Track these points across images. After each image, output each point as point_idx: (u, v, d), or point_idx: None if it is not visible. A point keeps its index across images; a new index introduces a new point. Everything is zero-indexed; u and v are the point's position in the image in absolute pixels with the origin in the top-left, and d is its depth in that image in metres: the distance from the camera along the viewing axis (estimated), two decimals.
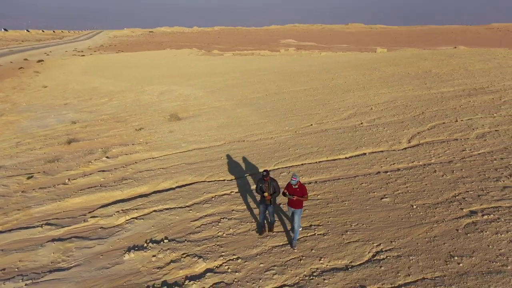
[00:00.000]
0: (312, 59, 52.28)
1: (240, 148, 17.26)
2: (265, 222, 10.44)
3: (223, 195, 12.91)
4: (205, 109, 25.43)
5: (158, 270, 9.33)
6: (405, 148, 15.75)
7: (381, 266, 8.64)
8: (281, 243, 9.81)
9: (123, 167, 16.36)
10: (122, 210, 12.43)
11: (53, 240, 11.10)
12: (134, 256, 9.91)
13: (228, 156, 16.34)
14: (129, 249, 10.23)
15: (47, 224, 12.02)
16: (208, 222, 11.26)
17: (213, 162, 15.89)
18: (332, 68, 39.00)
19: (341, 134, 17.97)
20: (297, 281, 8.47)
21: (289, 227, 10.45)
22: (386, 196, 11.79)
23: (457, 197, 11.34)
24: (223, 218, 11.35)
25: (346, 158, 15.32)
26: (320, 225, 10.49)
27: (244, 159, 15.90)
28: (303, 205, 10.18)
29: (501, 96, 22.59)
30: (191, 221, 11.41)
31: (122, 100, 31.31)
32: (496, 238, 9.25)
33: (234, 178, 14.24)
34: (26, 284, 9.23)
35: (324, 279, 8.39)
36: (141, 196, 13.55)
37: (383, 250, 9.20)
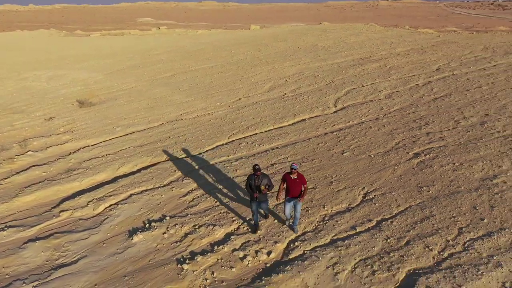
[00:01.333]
0: (197, 38, 52.48)
1: (183, 126, 17.44)
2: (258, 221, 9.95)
3: (196, 169, 13.28)
4: (116, 92, 24.22)
5: (177, 244, 9.56)
6: (335, 112, 18.09)
7: (375, 203, 10.50)
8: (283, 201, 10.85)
9: (60, 158, 15.16)
10: (95, 199, 11.87)
11: (30, 240, 10.19)
12: (143, 237, 9.88)
13: (177, 135, 16.44)
14: (131, 233, 10.11)
15: (8, 227, 10.85)
16: (199, 195, 11.65)
17: (164, 142, 15.86)
18: (225, 46, 40.13)
19: (273, 105, 19.50)
20: (314, 227, 9.76)
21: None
22: (345, 151, 13.78)
23: (399, 145, 13.95)
24: (212, 190, 11.87)
25: (290, 125, 16.93)
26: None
27: (195, 135, 16.24)
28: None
29: (386, 64, 26.94)
30: (180, 197, 11.64)
31: (2, 90, 27.39)
32: (443, 169, 11.96)
33: (198, 153, 14.60)
34: (34, 286, 8.56)
35: (337, 221, 9.87)
36: (104, 183, 13.01)
37: (369, 191, 11.10)
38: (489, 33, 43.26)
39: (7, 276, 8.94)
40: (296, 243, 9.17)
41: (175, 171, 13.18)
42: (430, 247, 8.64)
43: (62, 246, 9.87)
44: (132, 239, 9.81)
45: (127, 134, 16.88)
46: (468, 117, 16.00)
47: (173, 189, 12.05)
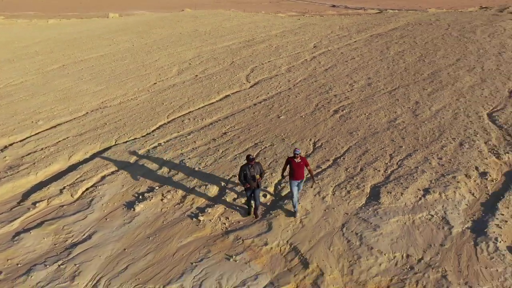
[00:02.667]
0: (61, 27, 48.36)
1: (113, 113, 17.60)
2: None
3: (156, 146, 14.16)
4: (5, 88, 22.13)
5: (180, 205, 10.74)
6: (252, 86, 20.44)
7: (325, 148, 13.24)
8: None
9: None
10: (67, 186, 11.93)
11: (20, 232, 10.11)
12: (144, 206, 10.74)
13: (112, 121, 16.63)
14: (129, 205, 10.82)
15: None
16: (173, 166, 12.74)
17: (103, 128, 15.98)
18: (103, 34, 38.58)
19: (192, 85, 20.85)
20: None
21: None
22: (280, 115, 16.27)
23: (318, 106, 17.06)
24: (182, 160, 13.06)
25: (218, 101, 18.67)
26: (263, 141, 14.02)
27: (132, 118, 16.71)
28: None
29: (271, 44, 30.30)
30: (156, 171, 12.57)
31: None
32: (360, 119, 15.42)
33: (146, 133, 15.31)
34: (60, 265, 8.91)
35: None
36: (63, 173, 12.96)
37: (316, 141, 13.81)
38: (337, 16, 50.75)
39: (18, 265, 8.93)
40: (282, 184, 11.29)
41: (135, 151, 13.80)
42: (377, 169, 11.74)
43: (62, 230, 10.06)
44: (134, 210, 10.56)
45: (54, 127, 16.31)
46: (357, 81, 20.08)
47: (145, 165, 12.83)
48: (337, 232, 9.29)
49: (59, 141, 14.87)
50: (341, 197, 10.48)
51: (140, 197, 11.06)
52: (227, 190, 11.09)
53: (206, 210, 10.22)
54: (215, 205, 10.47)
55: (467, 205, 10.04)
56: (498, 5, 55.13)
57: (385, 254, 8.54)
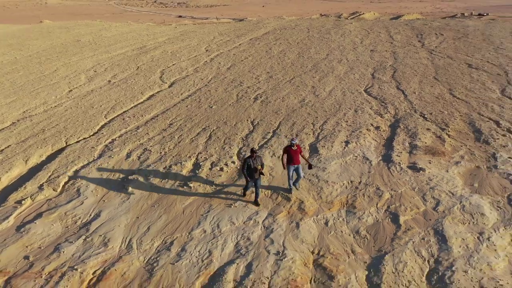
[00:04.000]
0: None
1: (45, 119, 17.63)
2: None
3: (112, 141, 15.29)
4: None
5: (166, 179, 12.47)
6: (170, 86, 22.29)
7: (262, 125, 16.18)
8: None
9: None
10: (44, 182, 12.53)
11: (23, 225, 10.75)
12: (134, 185, 12.24)
13: (48, 126, 16.74)
14: (119, 188, 12.15)
15: None
16: (139, 153, 14.19)
17: (45, 133, 16.13)
18: None
19: (112, 89, 21.68)
20: (247, 143, 14.72)
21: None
22: (211, 105, 18.72)
23: (239, 95, 20.01)
24: (146, 148, 14.62)
25: (146, 100, 20.13)
26: (209, 126, 16.35)
27: (68, 122, 17.10)
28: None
29: (165, 50, 32.08)
30: (126, 159, 13.91)
31: None
32: (277, 102, 18.87)
33: (93, 133, 16.14)
34: (84, 239, 10.08)
35: (254, 138, 15.13)
36: (27, 175, 13.33)
37: (253, 120, 16.72)
38: (211, 24, 54.31)
39: (41, 248, 9.79)
40: (243, 148, 13.94)
41: (93, 147, 14.73)
42: (307, 133, 15.23)
43: (65, 215, 10.97)
44: (127, 189, 11.99)
45: None
46: (260, 75, 23.66)
47: (112, 156, 14.01)
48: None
49: (3, 149, 14.71)
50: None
51: (125, 179, 12.41)
52: (200, 163, 13.20)
53: (191, 179, 12.22)
54: (197, 175, 12.52)
55: (374, 147, 14.17)
56: (334, 13, 65.91)
57: (337, 183, 11.93)
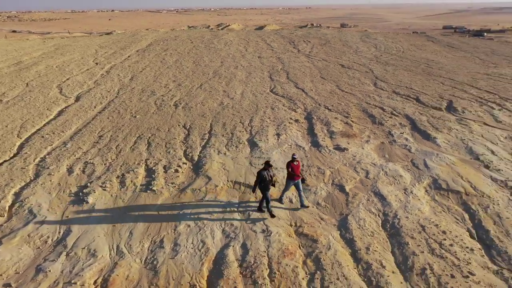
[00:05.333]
0: None
1: None
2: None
3: (42, 160, 14.28)
4: None
5: (125, 188, 12.47)
6: (77, 100, 21.19)
7: (195, 128, 17.01)
8: None
9: None
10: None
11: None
12: (93, 197, 11.80)
13: None
14: (78, 202, 11.71)
15: None
16: (84, 165, 13.71)
17: None
18: None
19: (10, 109, 19.61)
20: (176, 145, 15.31)
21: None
22: (134, 115, 18.60)
23: (158, 103, 20.22)
24: (89, 160, 14.12)
25: (56, 116, 18.88)
26: (143, 133, 16.39)
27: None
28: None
29: (49, 65, 29.70)
30: (72, 174, 13.29)
31: None
32: (199, 106, 19.73)
33: (13, 154, 14.75)
34: (67, 254, 9.75)
35: (194, 140, 15.81)
36: None
37: (185, 125, 17.32)
38: (83, 38, 51.15)
39: (18, 273, 9.18)
40: (188, 150, 14.60)
41: (23, 168, 13.59)
42: (241, 131, 16.55)
43: (31, 237, 10.21)
44: (87, 202, 11.66)
45: None
46: (167, 84, 24.06)
47: (50, 174, 13.19)
48: (250, 167, 13.66)
49: None
50: (235, 150, 14.79)
51: (80, 193, 12.01)
52: (153, 168, 13.44)
53: (151, 184, 12.48)
54: (155, 179, 12.79)
55: (301, 136, 16.27)
56: (200, 25, 68.48)
57: (284, 169, 13.57)
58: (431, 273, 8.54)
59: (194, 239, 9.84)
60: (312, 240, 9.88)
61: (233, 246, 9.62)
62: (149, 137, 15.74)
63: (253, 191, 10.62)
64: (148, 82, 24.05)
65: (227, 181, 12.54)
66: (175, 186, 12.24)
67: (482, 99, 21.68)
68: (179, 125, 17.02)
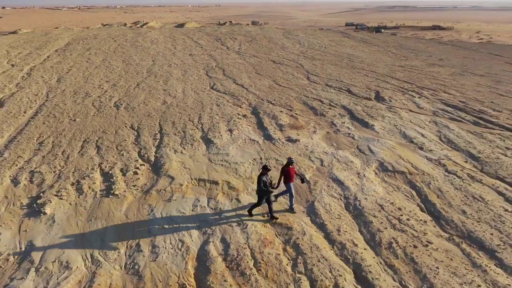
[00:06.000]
0: None
1: None
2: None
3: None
4: None
5: (83, 195, 11.75)
6: (1, 106, 19.25)
7: (145, 128, 16.48)
8: None
9: None
10: None
11: None
12: (51, 208, 10.94)
13: None
14: (34, 214, 10.87)
15: None
16: (31, 175, 12.63)
17: None
18: None
19: None
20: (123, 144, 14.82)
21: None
22: (73, 119, 17.40)
23: (96, 105, 19.17)
24: (35, 169, 13.01)
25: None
26: (89, 137, 15.48)
27: None
28: None
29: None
30: (19, 184, 12.18)
31: None
32: (142, 106, 19.07)
33: None
34: (36, 270, 9.10)
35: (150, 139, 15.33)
36: None
37: (133, 125, 16.67)
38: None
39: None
40: (142, 151, 14.18)
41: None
42: (192, 129, 16.46)
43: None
44: (45, 214, 10.84)
45: None
46: (101, 85, 22.82)
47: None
48: (210, 163, 13.71)
49: None
50: (191, 148, 14.71)
51: (34, 205, 11.13)
52: (110, 172, 12.87)
53: (113, 188, 11.97)
54: (115, 183, 12.28)
55: (252, 130, 16.64)
56: (116, 23, 65.64)
57: (245, 162, 13.84)
58: (397, 245, 9.41)
59: (172, 239, 9.71)
60: (287, 228, 10.29)
61: (213, 241, 9.68)
62: (97, 140, 14.93)
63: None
64: (78, 83, 22.57)
65: (191, 179, 12.46)
66: (138, 189, 11.86)
67: (403, 88, 23.95)
68: (126, 126, 16.36)
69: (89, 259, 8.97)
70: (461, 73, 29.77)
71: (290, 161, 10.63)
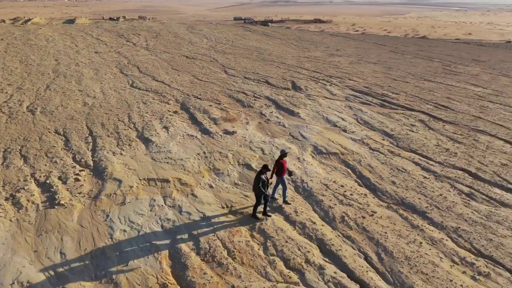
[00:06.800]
0: None
1: None
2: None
3: None
4: None
5: (23, 209, 10.60)
6: None
7: (72, 132, 15.25)
8: None
9: None
10: None
11: None
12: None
13: None
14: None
15: None
16: None
17: None
18: None
19: None
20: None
21: None
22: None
23: (6, 111, 17.14)
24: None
25: None
26: (10, 146, 13.86)
27: None
28: None
29: None
30: None
31: None
32: (62, 108, 17.54)
33: None
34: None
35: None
36: None
37: (57, 130, 15.27)
38: None
39: None
40: (77, 156, 13.27)
41: None
42: (126, 129, 15.74)
43: None
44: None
45: None
46: (3, 88, 20.39)
47: None
48: (155, 162, 13.37)
49: None
50: (130, 149, 14.16)
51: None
52: (48, 182, 11.81)
53: (56, 198, 11.08)
54: (57, 193, 11.35)
55: (188, 125, 16.55)
56: (6, 19, 58.34)
57: (190, 158, 13.80)
58: (348, 218, 10.45)
59: (138, 242, 9.45)
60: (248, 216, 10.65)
61: (181, 237, 9.66)
62: (20, 149, 13.47)
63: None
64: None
65: (140, 180, 12.08)
66: (84, 196, 11.15)
67: (314, 78, 25.77)
68: (50, 132, 14.99)
69: (53, 275, 8.31)
70: (358, 62, 32.94)
71: (283, 153, 10.60)
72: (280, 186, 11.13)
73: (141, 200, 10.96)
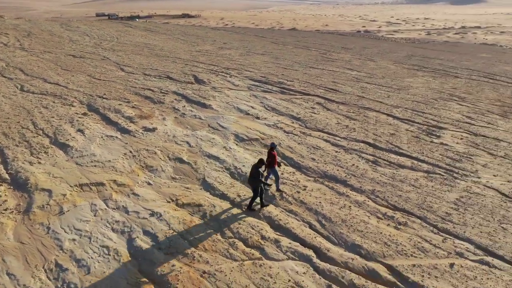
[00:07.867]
0: None
1: None
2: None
3: None
4: None
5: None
6: None
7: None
8: None
9: None
10: None
11: None
12: None
13: None
14: None
15: None
16: None
17: None
18: None
19: None
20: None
21: None
22: None
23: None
24: None
25: None
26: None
27: None
28: None
29: None
30: None
31: None
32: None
33: None
34: None
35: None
36: None
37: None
38: None
39: None
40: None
41: None
42: (36, 136, 14.30)
43: None
44: None
45: None
46: None
47: None
48: (81, 167, 12.55)
49: None
50: (47, 157, 12.97)
51: None
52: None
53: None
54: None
55: (103, 126, 15.71)
56: None
57: (117, 159, 13.25)
58: (286, 195, 11.44)
59: (94, 248, 9.07)
60: (196, 206, 10.95)
61: (138, 237, 9.53)
62: None
63: (265, 183, 10.67)
64: None
65: (71, 186, 11.32)
66: (12, 212, 10.08)
67: (212, 70, 26.38)
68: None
69: None
70: (247, 54, 34.51)
71: (273, 146, 11.13)
72: (271, 176, 11.64)
73: (81, 207, 10.34)
